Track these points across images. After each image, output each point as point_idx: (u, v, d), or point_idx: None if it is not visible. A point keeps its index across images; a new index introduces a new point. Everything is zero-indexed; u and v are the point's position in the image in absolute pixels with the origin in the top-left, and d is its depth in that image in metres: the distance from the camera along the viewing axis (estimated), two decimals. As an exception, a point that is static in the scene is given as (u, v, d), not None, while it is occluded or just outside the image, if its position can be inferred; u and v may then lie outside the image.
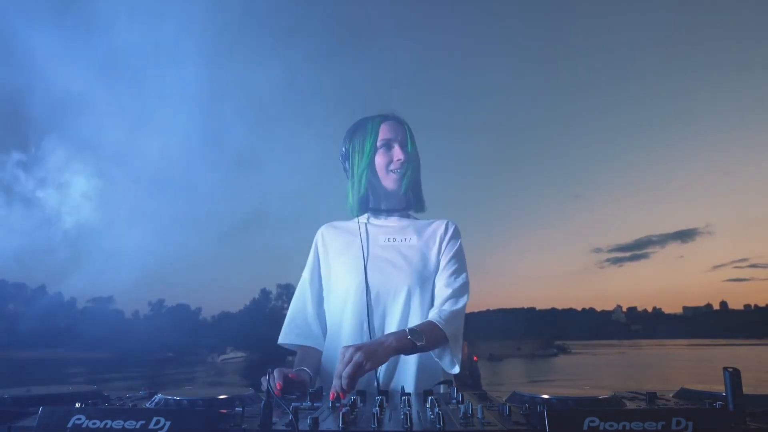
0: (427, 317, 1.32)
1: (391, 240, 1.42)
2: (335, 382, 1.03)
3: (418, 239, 1.42)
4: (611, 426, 0.67)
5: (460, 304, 1.33)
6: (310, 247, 1.54)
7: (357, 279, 1.37)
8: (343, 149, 1.48)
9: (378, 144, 1.41)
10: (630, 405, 0.90)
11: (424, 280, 1.37)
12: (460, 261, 1.42)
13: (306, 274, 1.50)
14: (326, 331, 1.46)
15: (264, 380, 1.01)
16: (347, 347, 1.08)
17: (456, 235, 1.45)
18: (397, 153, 1.40)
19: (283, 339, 1.46)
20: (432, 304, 1.37)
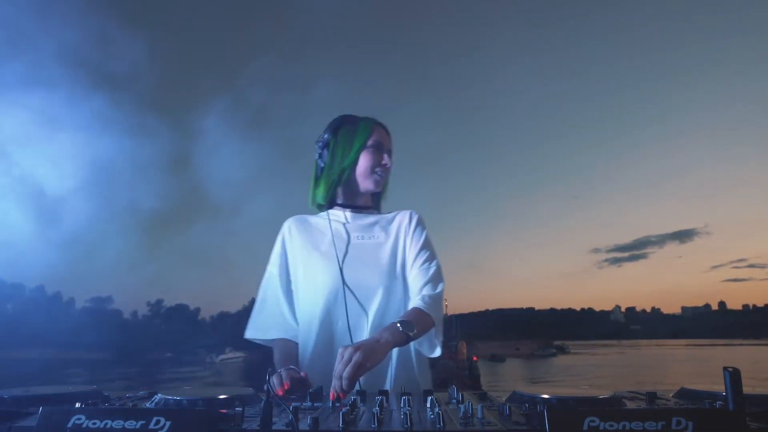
0: (403, 312, 1.34)
1: (360, 238, 1.43)
2: (335, 383, 1.03)
3: (386, 236, 1.44)
4: (611, 426, 0.67)
5: (438, 289, 1.35)
6: None
7: (332, 278, 1.37)
8: (325, 136, 1.46)
9: (368, 143, 1.42)
10: (630, 405, 0.90)
11: (395, 278, 1.39)
12: (430, 249, 1.43)
13: (274, 269, 1.46)
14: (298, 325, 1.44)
15: (270, 379, 1.01)
16: (346, 347, 1.07)
17: (420, 224, 1.46)
18: (386, 159, 1.44)
19: (260, 334, 1.43)
20: (404, 299, 1.39)
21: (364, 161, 1.42)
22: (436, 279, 1.37)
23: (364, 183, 1.44)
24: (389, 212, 1.52)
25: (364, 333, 1.33)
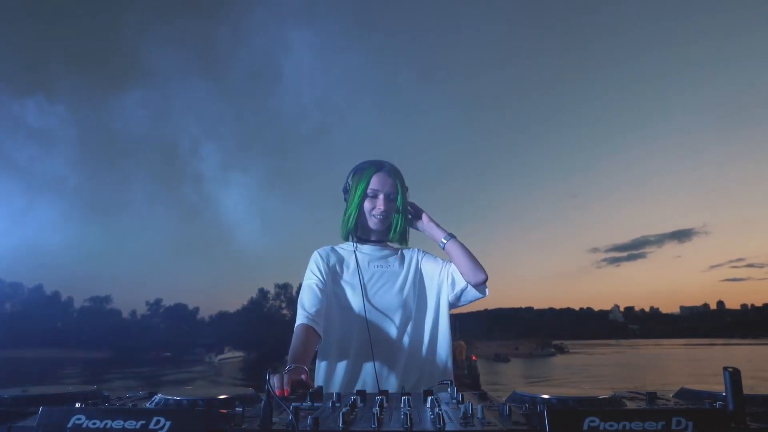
0: (419, 332, 1.61)
1: (378, 267, 1.67)
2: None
3: (400, 266, 1.69)
4: (611, 426, 0.67)
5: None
6: (306, 248, 1.72)
7: (356, 303, 1.58)
8: (347, 182, 1.71)
9: (368, 192, 1.63)
10: (630, 405, 0.90)
11: (407, 301, 1.63)
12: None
13: (311, 281, 1.61)
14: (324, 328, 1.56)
15: (270, 379, 1.01)
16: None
17: (427, 252, 1.74)
18: (380, 203, 1.63)
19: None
20: (415, 322, 1.62)
21: (365, 206, 1.65)
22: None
23: (369, 223, 1.66)
24: (405, 247, 1.76)
25: (385, 354, 1.54)
